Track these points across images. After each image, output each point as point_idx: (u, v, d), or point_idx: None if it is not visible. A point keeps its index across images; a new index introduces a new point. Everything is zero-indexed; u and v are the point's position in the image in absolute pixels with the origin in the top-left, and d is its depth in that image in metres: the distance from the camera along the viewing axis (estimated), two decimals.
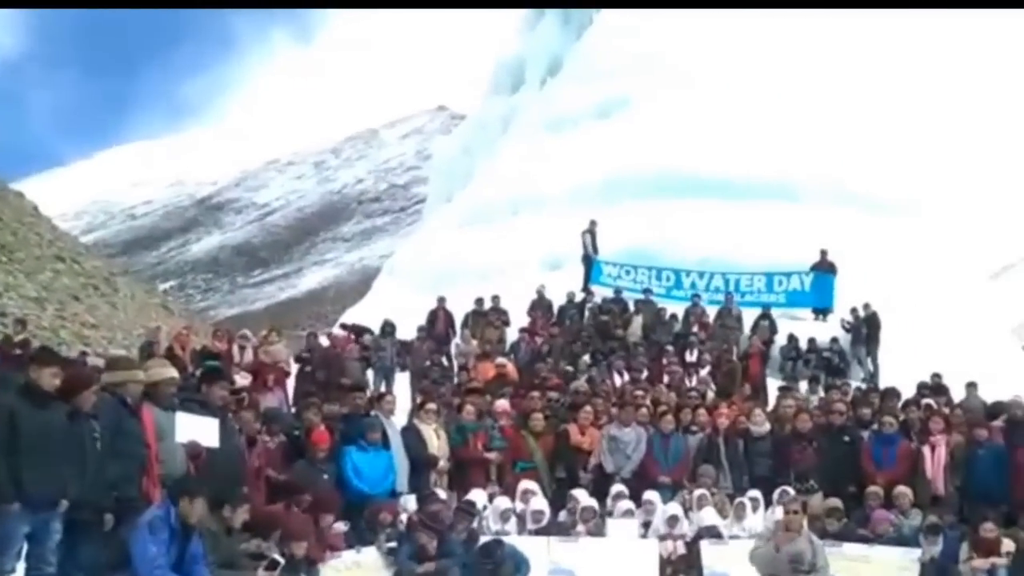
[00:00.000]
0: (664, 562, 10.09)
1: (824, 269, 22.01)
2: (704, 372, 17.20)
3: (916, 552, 9.77)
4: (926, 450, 11.49)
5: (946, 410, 13.27)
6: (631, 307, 20.77)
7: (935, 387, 15.66)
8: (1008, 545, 9.44)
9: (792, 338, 19.86)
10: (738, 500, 10.96)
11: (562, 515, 10.79)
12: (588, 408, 12.51)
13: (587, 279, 23.06)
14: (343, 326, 20.85)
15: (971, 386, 15.39)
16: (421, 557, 9.00)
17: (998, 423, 12.09)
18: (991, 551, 9.32)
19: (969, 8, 46.30)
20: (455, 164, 39.51)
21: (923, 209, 27.87)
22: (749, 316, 20.78)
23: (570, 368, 16.81)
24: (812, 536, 9.46)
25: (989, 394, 14.66)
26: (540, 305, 21.13)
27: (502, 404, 12.62)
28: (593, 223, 23.50)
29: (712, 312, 20.78)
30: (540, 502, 10.65)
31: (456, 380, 16.57)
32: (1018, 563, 9.21)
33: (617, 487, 11.20)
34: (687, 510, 10.86)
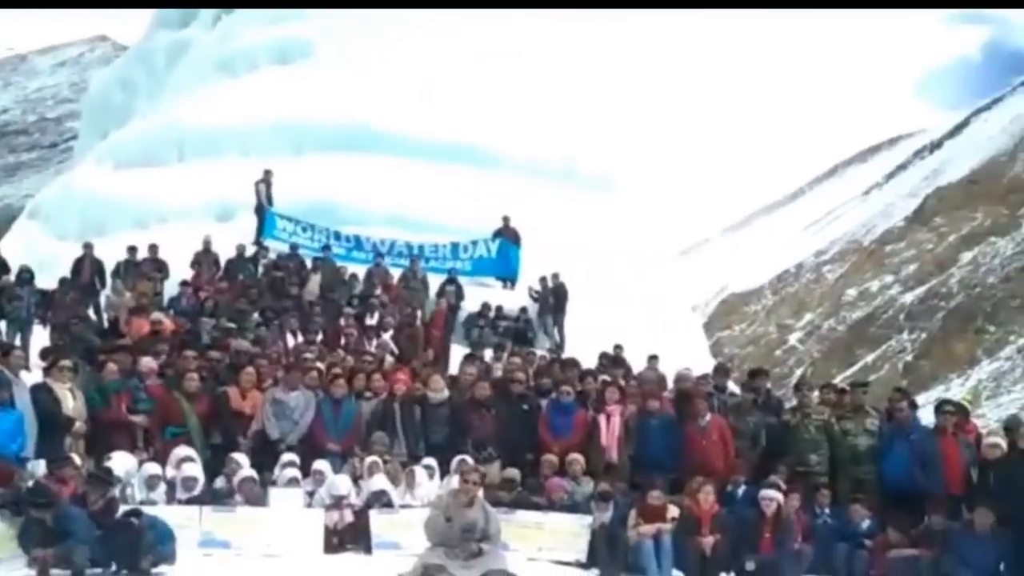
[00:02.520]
0: (330, 532, 10.09)
1: (507, 237, 22.88)
2: (386, 336, 17.32)
3: (588, 519, 10.44)
4: (601, 419, 12.20)
5: (623, 381, 14.18)
6: (308, 264, 20.53)
7: (614, 358, 16.74)
8: (673, 511, 10.34)
9: (486, 306, 20.51)
10: (411, 468, 11.14)
11: (218, 482, 10.51)
12: (250, 369, 12.22)
13: (260, 232, 22.52)
14: None
15: (652, 358, 16.57)
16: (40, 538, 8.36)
17: (667, 393, 13.16)
18: (657, 517, 10.16)
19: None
20: (113, 99, 37.18)
21: (618, 184, 29.60)
22: (435, 281, 21.21)
23: (236, 326, 16.33)
24: (486, 505, 9.80)
25: (668, 368, 15.84)
26: (205, 258, 20.40)
27: (148, 362, 12.04)
28: (268, 173, 22.97)
29: (396, 274, 21.00)
30: (192, 468, 10.28)
31: (104, 335, 15.67)
32: (682, 528, 10.09)
33: (288, 456, 11.04)
34: (357, 478, 10.92)
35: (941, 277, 50.81)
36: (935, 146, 78.71)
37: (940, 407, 11.86)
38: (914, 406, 12.72)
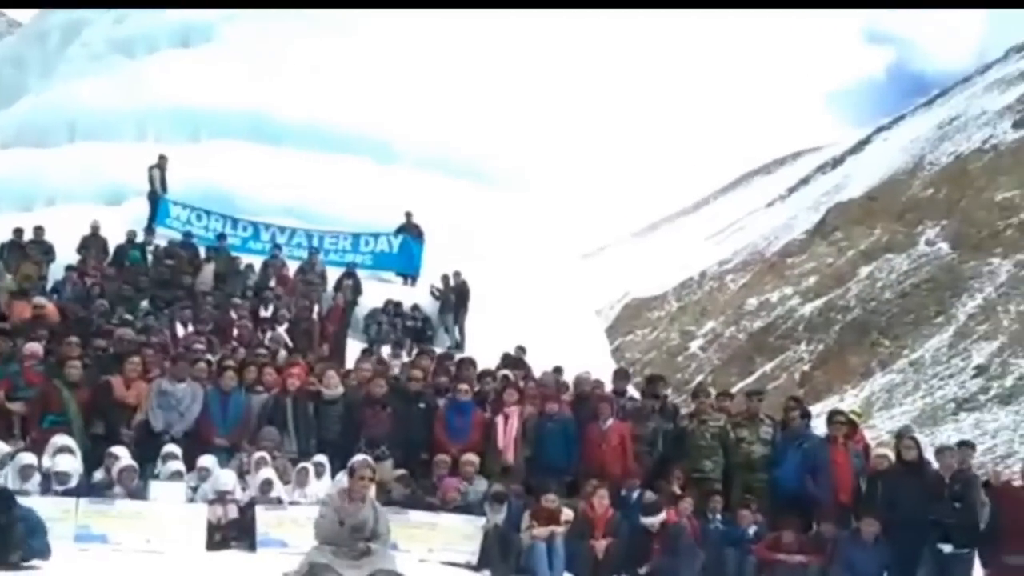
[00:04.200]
0: (213, 528, 9.89)
1: (410, 232, 22.81)
2: (280, 329, 17.09)
3: (481, 520, 10.44)
4: (499, 420, 12.22)
5: (522, 383, 14.21)
6: (202, 254, 20.15)
7: (515, 360, 16.79)
8: (567, 514, 10.41)
9: (389, 302, 20.42)
10: (301, 465, 11.00)
11: (97, 475, 10.23)
12: (136, 359, 11.93)
13: (152, 219, 22.02)
14: None
15: (557, 369, 16.59)
16: None
17: (567, 397, 13.24)
18: (551, 520, 10.22)
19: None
20: (3, 76, 36.04)
21: (524, 184, 29.71)
22: (334, 275, 21.01)
23: (127, 315, 15.96)
24: (376, 504, 9.73)
25: (569, 373, 15.92)
26: (93, 242, 19.90)
27: (33, 347, 11.69)
28: (163, 159, 22.49)
29: (293, 267, 20.76)
30: (67, 461, 9.97)
31: None
32: (575, 531, 10.17)
33: (169, 447, 10.80)
34: (244, 473, 10.74)
35: (839, 291, 52.22)
36: (837, 162, 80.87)
37: (831, 417, 12.18)
38: (807, 415, 13.00)
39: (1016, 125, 60.23)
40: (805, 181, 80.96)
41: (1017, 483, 9.99)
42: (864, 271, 52.81)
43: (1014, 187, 53.19)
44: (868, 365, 44.92)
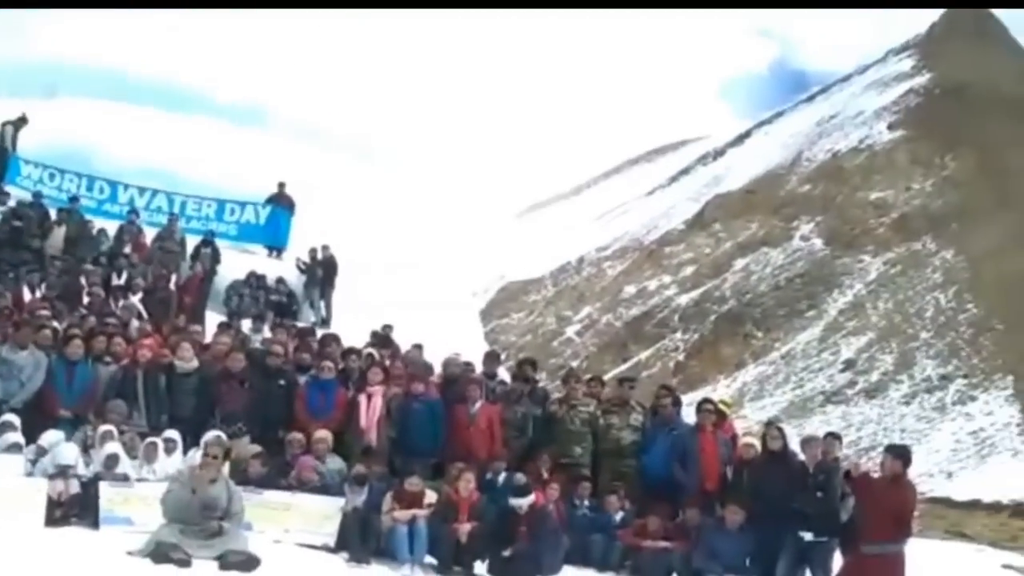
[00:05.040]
0: (53, 503, 9.54)
1: (281, 203, 22.45)
2: (135, 298, 16.61)
3: (340, 501, 10.32)
4: (362, 399, 12.09)
5: (388, 362, 14.11)
6: (53, 215, 19.44)
7: (383, 338, 16.68)
8: (430, 497, 10.37)
9: (252, 274, 20.05)
10: (149, 440, 10.70)
11: None
12: None
13: (0, 177, 21.20)
14: None
15: (417, 347, 16.51)
16: None
17: (434, 378, 13.19)
18: (414, 503, 10.17)
19: None
20: None
21: (403, 161, 29.66)
22: (193, 243, 20.53)
23: None
24: (230, 482, 9.58)
25: (440, 351, 15.87)
26: None
27: None
28: (23, 119, 21.75)
29: (151, 233, 20.22)
30: None
31: None
32: (439, 514, 10.14)
33: (6, 417, 10.41)
34: (88, 447, 10.39)
35: (716, 281, 53.30)
36: (719, 153, 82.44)
37: (700, 405, 12.42)
38: (678, 403, 13.24)
39: (891, 127, 62.31)
40: (686, 171, 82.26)
41: (876, 475, 10.33)
42: (740, 263, 54.00)
43: (887, 187, 55.05)
44: (741, 356, 45.98)
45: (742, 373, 44.76)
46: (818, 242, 53.16)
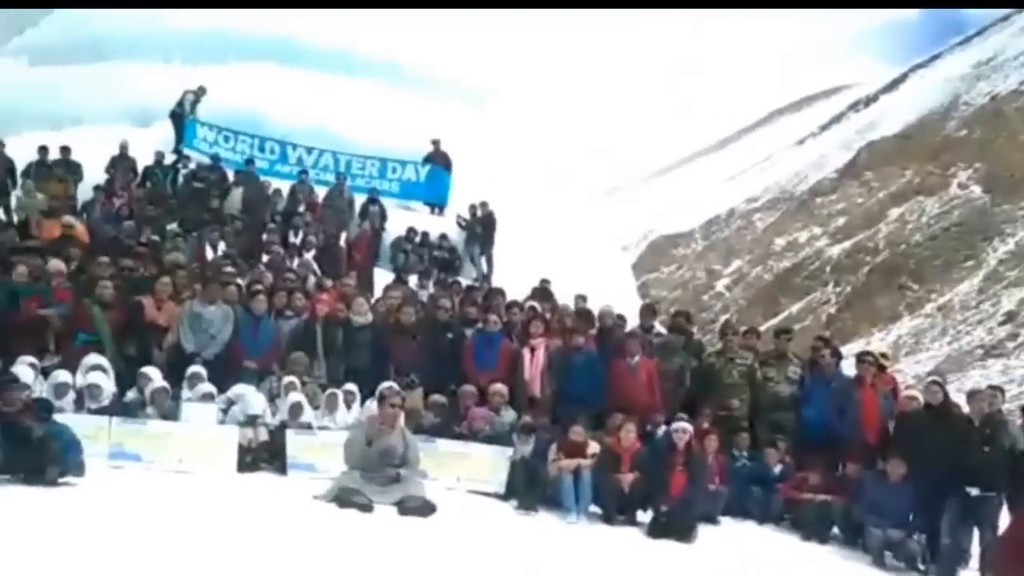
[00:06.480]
0: (244, 450, 10.03)
1: (438, 162, 22.72)
2: (309, 255, 17.17)
3: (508, 451, 10.52)
4: (526, 352, 12.26)
5: (548, 315, 14.25)
6: (231, 177, 20.20)
7: (542, 292, 16.84)
8: (594, 448, 10.48)
9: (411, 230, 20.43)
10: (331, 391, 11.10)
11: (130, 395, 10.35)
12: (166, 280, 12.03)
13: (179, 140, 22.10)
14: None
15: (580, 298, 16.65)
16: None
17: (593, 331, 13.26)
18: (578, 453, 10.29)
19: None
20: None
21: (553, 118, 29.58)
22: (360, 201, 21.02)
23: (155, 237, 16.08)
24: (406, 431, 9.87)
25: (595, 305, 15.96)
26: (121, 163, 19.99)
27: (56, 264, 11.84)
28: (203, 89, 22.65)
29: (321, 192, 20.77)
30: (99, 377, 10.11)
31: (15, 237, 15.34)
32: (602, 464, 10.24)
33: (195, 368, 10.89)
34: (274, 397, 10.86)
35: (868, 232, 51.73)
36: (871, 99, 79.63)
37: (860, 357, 12.17)
38: (837, 355, 13.00)
39: None
40: (838, 119, 79.79)
41: None
42: (894, 213, 52.23)
43: None
44: (895, 309, 44.59)
45: (896, 326, 43.42)
46: (976, 189, 50.94)
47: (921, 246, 48.24)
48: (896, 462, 10.31)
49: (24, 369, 9.87)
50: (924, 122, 62.06)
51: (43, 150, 19.58)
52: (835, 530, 10.64)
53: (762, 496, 11.11)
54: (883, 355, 13.87)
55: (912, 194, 53.47)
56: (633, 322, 13.98)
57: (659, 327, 14.49)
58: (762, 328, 21.31)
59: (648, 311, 14.65)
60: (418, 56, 26.63)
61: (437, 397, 11.32)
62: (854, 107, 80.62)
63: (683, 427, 10.34)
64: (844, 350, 17.01)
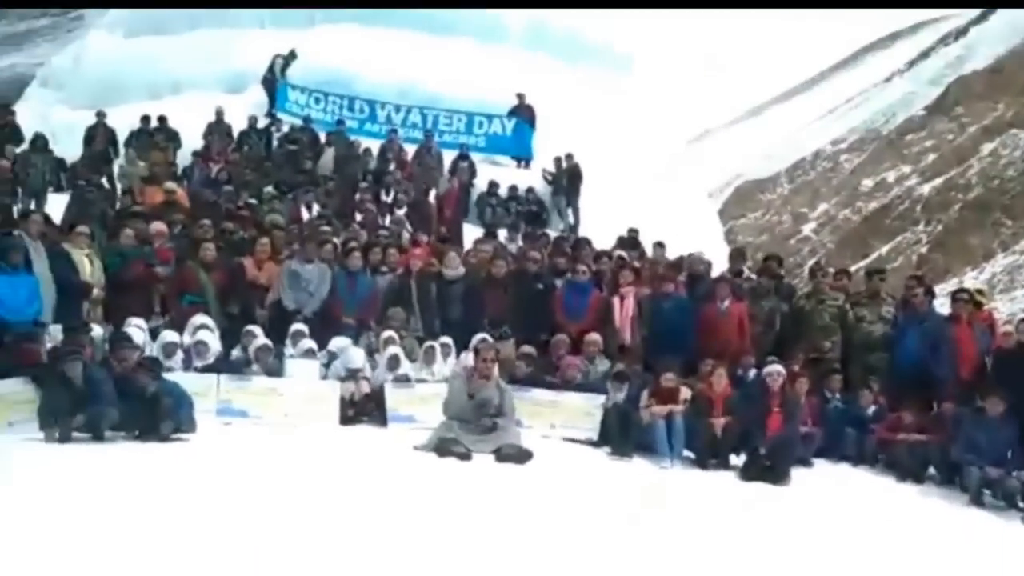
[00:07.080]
0: (346, 404, 10.25)
1: (522, 115, 22.67)
2: (400, 212, 17.35)
3: (601, 398, 10.56)
4: (615, 300, 12.25)
5: (636, 263, 14.21)
6: (322, 138, 20.46)
7: (630, 241, 16.79)
8: (685, 393, 10.46)
9: (493, 184, 20.48)
10: (428, 344, 11.24)
11: (235, 352, 10.63)
12: (265, 241, 12.27)
13: (271, 104, 22.45)
14: None
15: (659, 246, 16.50)
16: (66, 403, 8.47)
17: (682, 277, 13.20)
18: (670, 399, 10.29)
19: None
20: None
21: (634, 65, 29.21)
22: (448, 157, 21.12)
23: (252, 199, 16.41)
24: (500, 382, 9.99)
25: (682, 251, 15.83)
26: (218, 128, 20.42)
27: (157, 225, 12.17)
28: (293, 53, 22.89)
29: (410, 150, 20.92)
30: (206, 334, 10.41)
31: (119, 203, 15.81)
32: (694, 410, 10.24)
33: (297, 326, 11.11)
34: (373, 351, 11.05)
35: (960, 168, 50.17)
36: (960, 32, 76.89)
37: (955, 295, 11.93)
38: (930, 293, 12.75)
39: None
40: (926, 54, 77.19)
41: None
42: (987, 148, 50.49)
43: None
44: (989, 246, 43.20)
45: (990, 264, 42.13)
46: None
47: (1015, 181, 46.62)
48: (994, 399, 10.04)
49: (134, 330, 10.17)
50: (1016, 54, 59.77)
51: (145, 119, 20.10)
52: (931, 470, 10.47)
53: (856, 438, 10.99)
54: (979, 291, 13.59)
55: (1005, 128, 51.63)
56: (720, 269, 13.87)
57: (748, 272, 14.36)
58: (851, 270, 20.94)
59: (738, 255, 14.55)
60: (499, 11, 26.47)
61: (528, 348, 11.39)
62: (943, 41, 77.90)
63: (777, 369, 10.26)
64: (937, 289, 16.67)
